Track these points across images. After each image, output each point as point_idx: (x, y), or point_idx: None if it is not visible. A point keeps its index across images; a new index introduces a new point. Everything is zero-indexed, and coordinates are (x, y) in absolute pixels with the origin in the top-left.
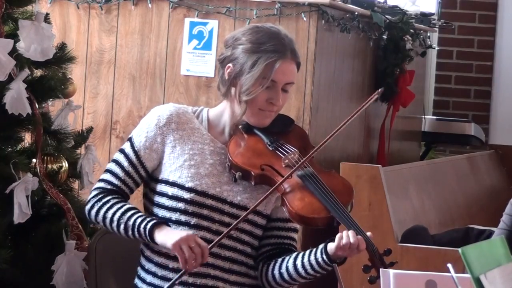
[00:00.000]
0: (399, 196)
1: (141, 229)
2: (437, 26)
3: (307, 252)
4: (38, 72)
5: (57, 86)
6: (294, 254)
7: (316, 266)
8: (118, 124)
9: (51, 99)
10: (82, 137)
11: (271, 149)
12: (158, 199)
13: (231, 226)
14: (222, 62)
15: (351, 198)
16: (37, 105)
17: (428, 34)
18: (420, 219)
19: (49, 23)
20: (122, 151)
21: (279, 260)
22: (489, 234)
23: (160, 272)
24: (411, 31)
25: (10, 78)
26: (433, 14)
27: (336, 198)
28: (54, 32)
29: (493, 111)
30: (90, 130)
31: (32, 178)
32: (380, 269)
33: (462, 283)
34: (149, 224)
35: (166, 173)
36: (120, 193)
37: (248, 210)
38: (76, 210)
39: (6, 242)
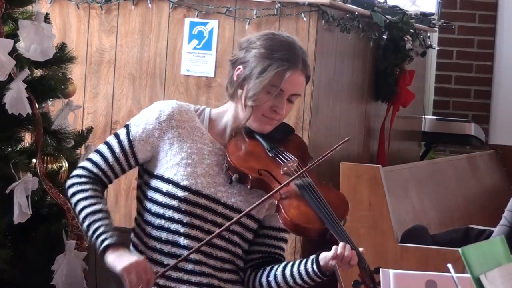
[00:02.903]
0: (399, 196)
1: (98, 241)
2: (437, 26)
3: (297, 261)
4: (38, 72)
5: (57, 86)
6: (283, 263)
7: (304, 276)
8: (118, 124)
9: (51, 99)
10: (82, 137)
11: (270, 155)
12: (152, 194)
13: (205, 240)
14: (233, 63)
15: (346, 213)
16: (37, 105)
17: (428, 34)
18: (420, 219)
19: (49, 23)
20: (116, 136)
21: (268, 268)
22: (489, 234)
23: (154, 268)
24: (411, 31)
25: (10, 78)
26: (433, 14)
27: (332, 211)
28: (54, 32)
29: (493, 111)
30: (90, 130)
31: (32, 178)
32: (380, 269)
33: (462, 283)
34: (106, 242)
35: (162, 169)
36: (103, 178)
37: (238, 217)
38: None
39: (6, 242)
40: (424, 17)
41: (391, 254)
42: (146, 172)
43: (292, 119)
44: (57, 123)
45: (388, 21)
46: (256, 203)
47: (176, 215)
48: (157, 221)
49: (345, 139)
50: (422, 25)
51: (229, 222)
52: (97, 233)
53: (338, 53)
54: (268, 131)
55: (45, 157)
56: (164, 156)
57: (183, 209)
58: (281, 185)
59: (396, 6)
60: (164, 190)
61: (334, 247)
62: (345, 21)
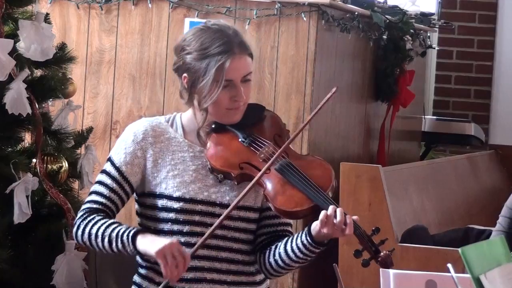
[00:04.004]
0: (399, 196)
1: (124, 237)
2: (437, 26)
3: (295, 236)
4: (38, 72)
5: (57, 86)
6: (284, 240)
7: (303, 249)
8: (118, 124)
9: (51, 99)
10: (82, 137)
11: (246, 145)
12: (149, 212)
13: (212, 228)
14: (176, 71)
15: (331, 182)
16: (37, 105)
17: (428, 34)
18: (420, 219)
19: (49, 23)
20: (103, 171)
21: (273, 247)
22: (489, 234)
23: (151, 285)
24: (411, 31)
25: (10, 78)
26: (433, 14)
27: (316, 185)
28: (54, 32)
29: (493, 111)
30: (90, 130)
31: (32, 178)
32: (380, 269)
33: (462, 283)
34: (132, 232)
35: (151, 187)
36: (106, 211)
37: (225, 212)
38: (76, 210)
39: (6, 242)
40: (424, 17)
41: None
42: (139, 194)
43: (292, 119)
44: (57, 123)
45: (388, 21)
46: (237, 199)
47: (175, 227)
48: None
49: (332, 94)
50: (422, 25)
51: (216, 222)
52: (120, 234)
53: (338, 53)
54: (239, 119)
55: (45, 157)
56: (151, 174)
57: (181, 219)
58: (259, 174)
59: (396, 6)
60: (159, 205)
61: (322, 211)
62: (345, 21)
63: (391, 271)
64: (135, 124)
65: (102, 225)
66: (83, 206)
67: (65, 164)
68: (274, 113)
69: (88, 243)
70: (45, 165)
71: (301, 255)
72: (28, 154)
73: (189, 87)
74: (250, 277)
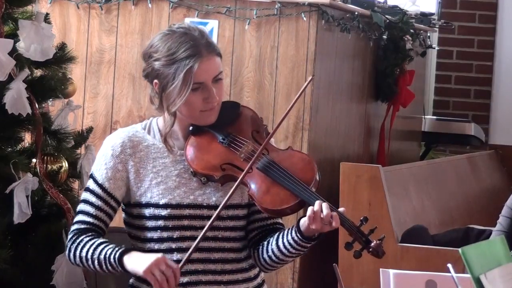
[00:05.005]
0: (399, 196)
1: (111, 260)
2: (437, 26)
3: (285, 231)
4: (38, 72)
5: (57, 86)
6: (275, 235)
7: (294, 245)
8: (118, 124)
9: (51, 99)
10: (82, 137)
11: (225, 145)
12: (137, 222)
13: (198, 238)
14: (146, 77)
15: (314, 175)
16: (37, 105)
17: (428, 34)
18: (420, 219)
19: (49, 23)
20: (87, 189)
21: (265, 243)
22: (489, 234)
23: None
24: (411, 31)
25: (10, 78)
26: (433, 14)
27: (299, 180)
28: (54, 32)
29: (493, 111)
30: (90, 130)
31: (32, 178)
32: (380, 269)
33: (462, 283)
34: (117, 254)
35: (137, 197)
36: (95, 229)
37: (213, 217)
38: (76, 210)
39: (6, 242)
40: (424, 17)
41: (391, 254)
42: (125, 204)
43: (292, 119)
44: (57, 123)
45: (388, 21)
46: (223, 201)
47: (165, 234)
48: (147, 245)
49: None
50: (422, 25)
51: (206, 226)
52: (107, 256)
53: (338, 53)
54: (215, 119)
55: (45, 157)
56: (135, 184)
57: (170, 226)
58: (242, 175)
59: (396, 6)
60: (147, 215)
61: (309, 207)
62: (345, 21)
63: (391, 271)
64: (112, 137)
65: (90, 247)
66: (72, 228)
67: (65, 164)
68: (250, 108)
69: (81, 266)
70: (45, 165)
71: (293, 251)
72: (28, 154)
73: (160, 93)
74: (245, 274)
